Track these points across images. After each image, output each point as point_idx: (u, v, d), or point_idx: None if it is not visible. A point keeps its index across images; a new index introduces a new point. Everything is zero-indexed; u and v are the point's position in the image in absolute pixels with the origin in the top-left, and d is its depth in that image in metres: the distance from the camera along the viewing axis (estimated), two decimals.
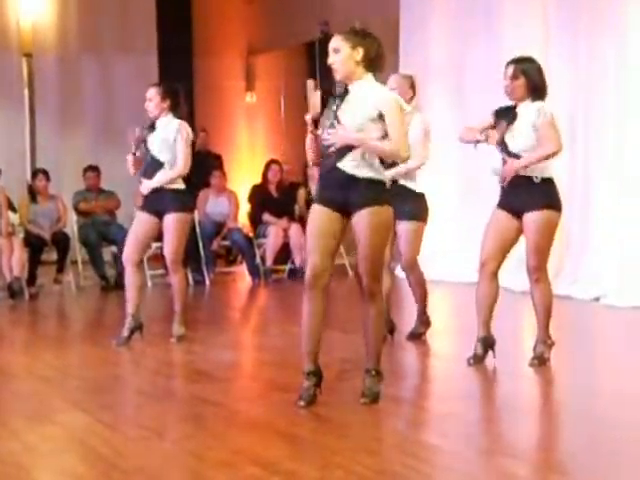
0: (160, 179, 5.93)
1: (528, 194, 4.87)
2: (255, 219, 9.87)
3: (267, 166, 9.97)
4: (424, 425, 4.07)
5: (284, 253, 9.69)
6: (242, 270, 9.97)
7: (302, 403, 4.22)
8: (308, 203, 9.93)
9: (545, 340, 5.01)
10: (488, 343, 5.09)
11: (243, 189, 10.93)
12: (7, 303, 8.19)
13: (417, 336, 5.93)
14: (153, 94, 5.99)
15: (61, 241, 8.93)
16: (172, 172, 5.93)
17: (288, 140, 12.22)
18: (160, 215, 5.94)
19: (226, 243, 9.93)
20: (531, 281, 5.02)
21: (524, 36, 7.89)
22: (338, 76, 4.23)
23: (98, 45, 11.60)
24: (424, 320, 5.96)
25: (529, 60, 4.93)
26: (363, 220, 4.12)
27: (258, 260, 9.61)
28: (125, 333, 5.95)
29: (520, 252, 5.11)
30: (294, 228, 9.58)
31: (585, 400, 4.45)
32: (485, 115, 5.14)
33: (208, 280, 9.25)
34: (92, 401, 4.57)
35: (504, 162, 4.95)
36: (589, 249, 7.57)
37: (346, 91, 4.24)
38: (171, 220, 5.90)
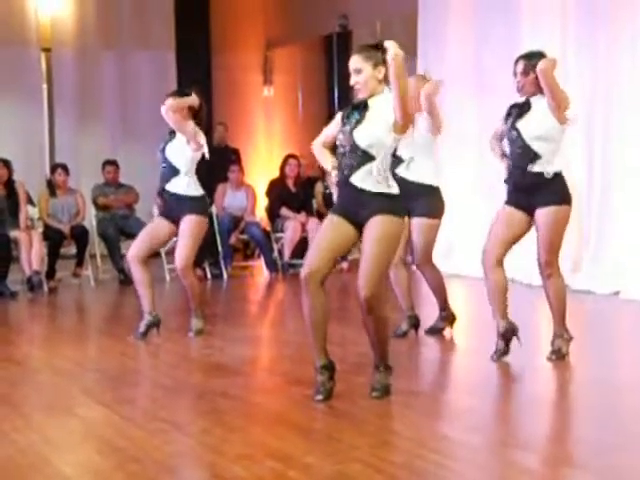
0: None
1: (539, 190, 4.83)
2: (273, 213, 9.88)
3: (285, 161, 9.97)
4: (443, 419, 4.06)
5: (302, 247, 9.68)
6: (259, 264, 9.98)
7: (319, 397, 4.23)
8: (325, 197, 9.93)
9: (562, 334, 4.98)
10: (509, 335, 5.05)
11: (261, 183, 10.94)
12: (26, 297, 8.24)
13: (437, 331, 5.91)
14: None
15: (80, 235, 8.97)
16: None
17: (306, 134, 12.19)
18: (176, 221, 5.93)
19: (244, 237, 9.95)
20: (543, 277, 4.98)
21: (542, 35, 7.84)
22: (362, 95, 4.23)
23: (116, 40, 11.63)
24: (445, 316, 5.93)
25: (539, 55, 4.87)
26: (370, 228, 4.14)
27: (276, 254, 9.63)
28: (142, 329, 5.97)
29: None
30: (312, 222, 9.59)
31: (604, 395, 4.43)
32: (502, 113, 5.12)
33: (226, 274, 9.27)
34: (110, 394, 4.59)
35: (507, 165, 4.93)
36: (608, 243, 7.53)
37: (365, 106, 4.22)
38: (187, 222, 5.88)
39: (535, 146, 4.82)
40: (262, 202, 10.38)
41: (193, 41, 11.86)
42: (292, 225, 9.56)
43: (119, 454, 3.59)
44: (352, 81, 4.23)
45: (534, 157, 4.83)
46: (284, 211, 9.72)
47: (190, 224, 5.89)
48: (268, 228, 9.87)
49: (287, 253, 9.56)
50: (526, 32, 8.14)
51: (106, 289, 8.92)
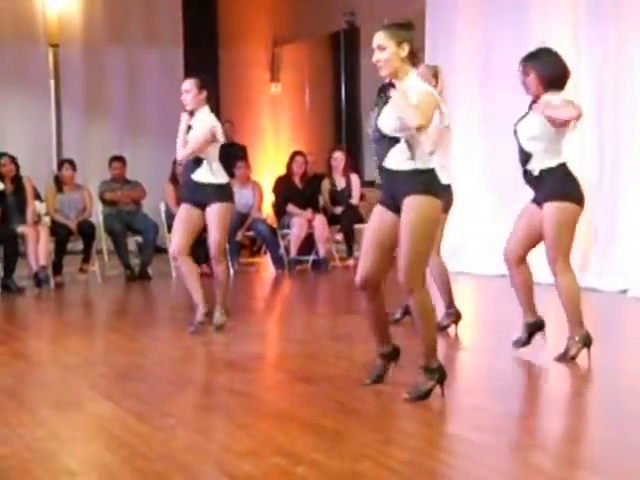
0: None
1: (539, 187, 4.82)
2: (279, 210, 9.88)
3: (291, 157, 9.97)
4: (452, 417, 4.04)
5: (308, 244, 9.69)
6: (266, 261, 9.98)
7: (367, 381, 4.30)
8: (332, 194, 9.93)
9: (573, 336, 4.87)
10: (533, 328, 5.05)
11: (267, 180, 10.94)
12: (33, 292, 8.25)
13: (441, 329, 5.85)
14: (190, 86, 5.91)
15: (87, 231, 8.97)
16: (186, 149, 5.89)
17: (313, 131, 12.22)
18: (203, 207, 5.92)
19: (250, 234, 9.94)
20: (552, 274, 4.92)
21: (552, 31, 7.81)
22: (383, 73, 4.08)
23: (124, 36, 11.64)
24: (450, 313, 5.91)
25: (540, 54, 4.85)
26: (405, 210, 3.99)
27: (282, 251, 9.62)
28: (200, 318, 5.99)
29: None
30: (318, 219, 9.58)
31: (614, 394, 4.41)
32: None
33: (232, 270, 9.27)
34: (118, 389, 4.59)
35: (520, 157, 4.91)
36: (616, 242, 7.51)
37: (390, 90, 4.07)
38: (215, 210, 5.87)
39: (528, 146, 4.82)
40: (269, 199, 10.37)
41: (200, 37, 11.85)
42: (298, 222, 9.55)
43: (126, 449, 3.58)
44: (374, 58, 4.07)
45: (528, 157, 4.83)
46: (290, 208, 9.72)
47: (217, 210, 5.88)
48: (274, 225, 9.87)
49: (293, 250, 9.56)
50: (535, 28, 8.10)
51: (113, 285, 8.93)
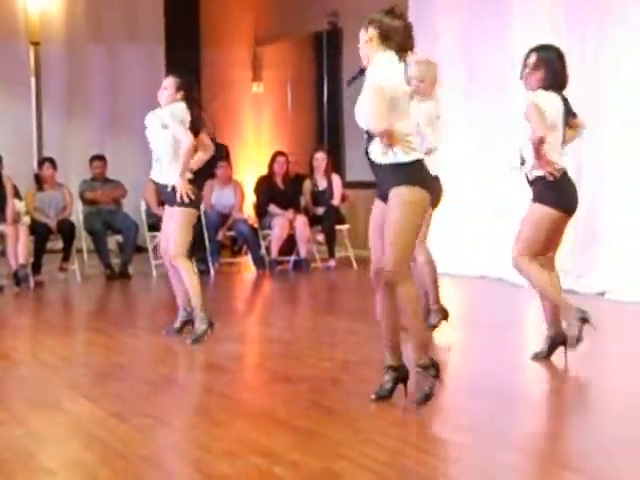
0: (183, 161, 5.72)
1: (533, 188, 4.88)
2: (261, 210, 9.87)
3: (273, 158, 9.97)
4: (432, 418, 4.05)
5: (289, 244, 9.69)
6: (247, 261, 9.98)
7: (372, 396, 4.10)
8: (313, 195, 9.94)
9: (567, 318, 4.79)
10: (555, 341, 4.94)
11: (249, 180, 10.93)
12: (12, 291, 8.21)
13: (431, 328, 5.76)
14: (169, 84, 5.88)
15: (67, 229, 8.94)
16: (182, 150, 5.73)
17: (295, 131, 12.21)
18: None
19: (231, 234, 9.93)
20: (516, 271, 4.93)
21: (533, 25, 7.84)
22: (364, 63, 4.03)
23: (105, 34, 11.59)
24: (436, 309, 5.78)
25: (552, 51, 4.84)
26: (390, 202, 3.94)
27: (263, 251, 9.62)
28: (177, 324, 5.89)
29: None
30: (300, 220, 9.59)
31: (593, 394, 4.44)
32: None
33: (213, 270, 9.26)
34: (97, 389, 4.58)
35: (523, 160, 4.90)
36: (595, 244, 7.54)
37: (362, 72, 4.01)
38: (175, 213, 5.77)
39: (522, 151, 4.83)
40: (250, 199, 10.37)
41: (182, 36, 11.83)
42: (280, 222, 9.55)
43: (104, 449, 3.58)
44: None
45: (523, 161, 4.85)
46: (272, 208, 9.72)
47: (177, 214, 5.76)
48: (256, 225, 9.86)
49: (274, 250, 9.56)
50: (517, 22, 8.13)
51: (92, 284, 8.90)
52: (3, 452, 3.54)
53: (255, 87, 12.75)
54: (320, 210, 9.83)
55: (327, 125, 11.59)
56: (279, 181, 9.87)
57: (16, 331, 6.59)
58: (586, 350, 5.23)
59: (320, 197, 9.90)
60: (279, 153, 10.05)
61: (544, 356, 4.95)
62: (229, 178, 10.01)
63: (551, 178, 4.73)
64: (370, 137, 3.98)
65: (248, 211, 10.45)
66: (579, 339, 4.75)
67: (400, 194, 3.92)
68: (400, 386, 4.13)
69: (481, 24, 8.63)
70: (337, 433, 3.69)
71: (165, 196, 5.90)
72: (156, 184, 6.00)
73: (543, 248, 4.86)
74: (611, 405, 4.20)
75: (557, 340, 4.94)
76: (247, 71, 12.68)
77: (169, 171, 5.77)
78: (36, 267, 8.70)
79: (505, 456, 3.45)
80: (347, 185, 10.38)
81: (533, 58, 4.81)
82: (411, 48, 4.01)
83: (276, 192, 9.80)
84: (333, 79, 11.32)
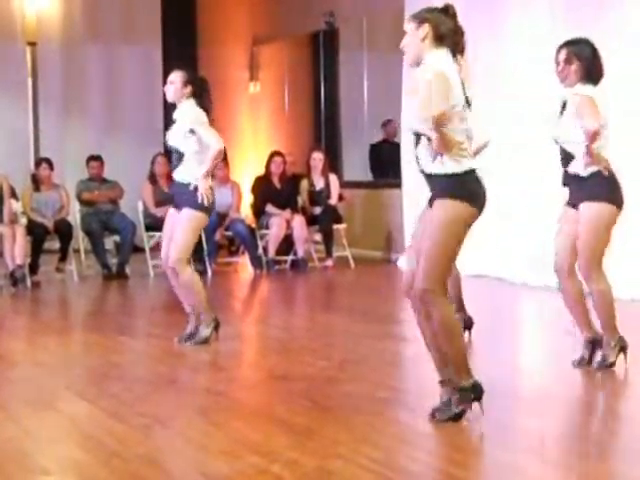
0: (209, 164, 5.57)
1: (584, 186, 4.67)
2: (258, 210, 9.87)
3: (270, 157, 9.96)
4: (426, 417, 4.05)
5: (286, 244, 9.69)
6: (244, 261, 9.97)
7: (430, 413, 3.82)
8: (310, 195, 9.94)
9: (609, 342, 4.70)
10: (594, 345, 4.76)
11: (246, 180, 10.93)
12: (9, 291, 8.20)
13: None
14: (175, 78, 5.75)
15: (64, 230, 8.93)
16: (210, 153, 5.58)
17: (291, 131, 12.21)
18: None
19: (229, 234, 9.93)
20: (584, 280, 4.73)
21: (532, 26, 7.82)
22: (406, 61, 3.82)
23: (102, 34, 11.58)
24: (460, 318, 5.36)
25: (582, 44, 4.75)
26: (432, 212, 3.72)
27: (260, 251, 9.62)
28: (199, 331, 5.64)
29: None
30: (297, 219, 9.59)
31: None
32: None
33: (210, 270, 9.25)
34: (93, 389, 4.58)
35: (561, 156, 4.78)
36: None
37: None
38: (185, 217, 5.56)
39: (568, 147, 4.69)
40: (247, 199, 10.36)
41: (179, 36, 11.82)
42: (277, 222, 9.55)
43: (101, 449, 3.58)
44: (401, 45, 3.82)
45: (570, 158, 4.69)
46: (269, 208, 9.71)
47: (186, 217, 5.56)
48: (253, 225, 9.85)
49: (272, 250, 9.55)
50: (515, 21, 8.12)
51: (89, 284, 8.89)
52: None
53: (252, 87, 12.74)
54: (317, 210, 9.83)
55: (324, 125, 11.59)
56: (276, 181, 9.86)
57: (13, 331, 6.58)
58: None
59: (317, 197, 9.90)
60: (276, 153, 10.04)
61: (583, 361, 4.77)
62: (226, 178, 10.00)
63: (606, 173, 4.59)
64: (418, 140, 3.73)
65: (245, 211, 10.44)
66: (613, 364, 4.68)
67: (444, 208, 3.68)
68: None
69: (477, 25, 8.60)
70: (334, 432, 3.69)
71: (181, 197, 5.64)
72: (176, 184, 5.77)
73: (605, 249, 4.66)
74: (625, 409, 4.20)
75: (597, 342, 4.75)
76: (244, 71, 12.68)
77: (193, 171, 5.58)
78: (33, 267, 8.69)
79: (499, 455, 3.45)
80: (344, 185, 10.39)
81: (564, 53, 4.73)
82: (462, 51, 3.87)
83: (273, 192, 9.80)
84: (330, 79, 11.32)
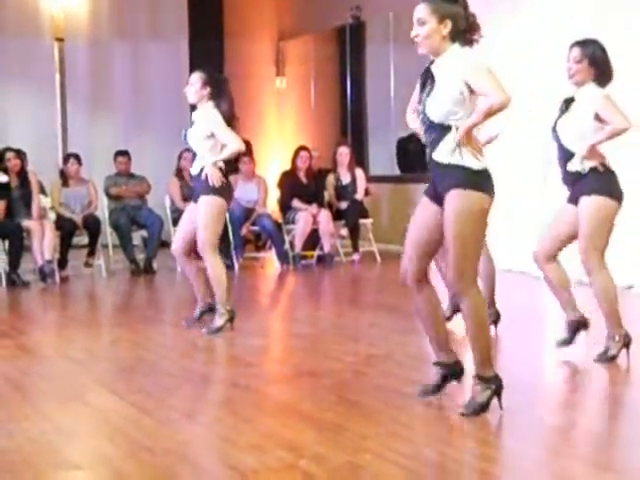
0: (222, 155, 5.76)
1: (583, 182, 4.71)
2: (284, 205, 9.87)
3: (296, 152, 9.96)
4: (453, 411, 4.04)
5: (313, 239, 9.69)
6: (271, 256, 9.99)
7: (418, 395, 4.03)
8: (337, 189, 9.93)
9: (613, 335, 4.73)
10: (577, 326, 4.90)
11: (272, 175, 10.93)
12: (38, 286, 8.27)
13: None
14: (195, 79, 5.83)
15: (92, 225, 8.99)
16: (227, 150, 5.77)
17: (318, 126, 12.21)
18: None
19: (255, 228, 9.95)
20: (586, 273, 4.77)
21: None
22: (420, 50, 3.75)
23: (129, 29, 11.64)
24: (490, 313, 5.32)
25: (591, 44, 4.74)
26: (447, 205, 3.68)
27: (287, 246, 9.63)
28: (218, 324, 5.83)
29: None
30: (323, 214, 9.58)
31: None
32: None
33: (237, 265, 9.28)
34: (122, 383, 4.60)
35: (560, 155, 4.79)
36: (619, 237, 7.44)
37: (430, 73, 3.75)
38: (203, 204, 5.72)
39: (573, 146, 4.70)
40: (273, 194, 10.37)
41: (206, 31, 11.86)
42: (303, 217, 9.56)
43: (130, 443, 3.59)
44: (412, 32, 3.72)
45: (571, 156, 4.72)
46: (295, 203, 9.72)
47: (202, 203, 5.72)
48: (279, 220, 9.87)
49: (298, 245, 9.56)
50: (539, 22, 8.08)
51: (118, 279, 8.94)
52: (29, 446, 3.57)
53: (278, 82, 12.75)
54: (344, 204, 9.82)
55: (350, 120, 11.58)
56: (302, 176, 9.86)
57: (42, 326, 6.64)
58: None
59: (343, 191, 9.89)
60: (302, 148, 10.04)
61: (564, 342, 4.93)
62: (252, 173, 10.02)
63: (602, 169, 4.65)
64: (439, 138, 3.70)
65: (272, 206, 10.46)
66: (614, 358, 4.72)
67: (460, 198, 3.65)
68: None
69: (502, 21, 8.57)
70: (361, 427, 3.69)
71: (197, 188, 5.83)
72: (193, 178, 5.93)
73: (607, 242, 4.71)
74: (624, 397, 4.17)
75: (580, 324, 4.91)
76: (271, 66, 12.69)
77: (208, 162, 5.75)
78: (62, 262, 8.76)
79: (531, 451, 3.43)
80: (370, 179, 10.37)
81: (575, 52, 4.73)
82: (474, 42, 3.79)
83: (299, 187, 9.80)
84: (357, 73, 11.30)
